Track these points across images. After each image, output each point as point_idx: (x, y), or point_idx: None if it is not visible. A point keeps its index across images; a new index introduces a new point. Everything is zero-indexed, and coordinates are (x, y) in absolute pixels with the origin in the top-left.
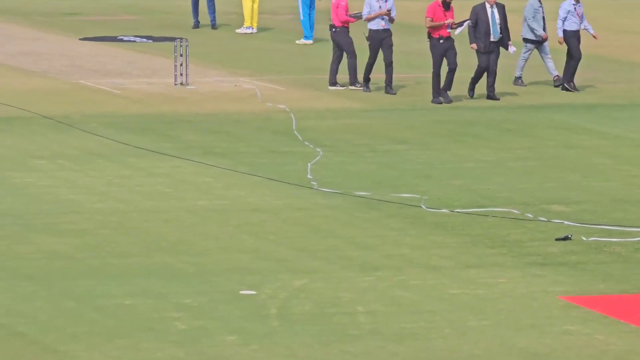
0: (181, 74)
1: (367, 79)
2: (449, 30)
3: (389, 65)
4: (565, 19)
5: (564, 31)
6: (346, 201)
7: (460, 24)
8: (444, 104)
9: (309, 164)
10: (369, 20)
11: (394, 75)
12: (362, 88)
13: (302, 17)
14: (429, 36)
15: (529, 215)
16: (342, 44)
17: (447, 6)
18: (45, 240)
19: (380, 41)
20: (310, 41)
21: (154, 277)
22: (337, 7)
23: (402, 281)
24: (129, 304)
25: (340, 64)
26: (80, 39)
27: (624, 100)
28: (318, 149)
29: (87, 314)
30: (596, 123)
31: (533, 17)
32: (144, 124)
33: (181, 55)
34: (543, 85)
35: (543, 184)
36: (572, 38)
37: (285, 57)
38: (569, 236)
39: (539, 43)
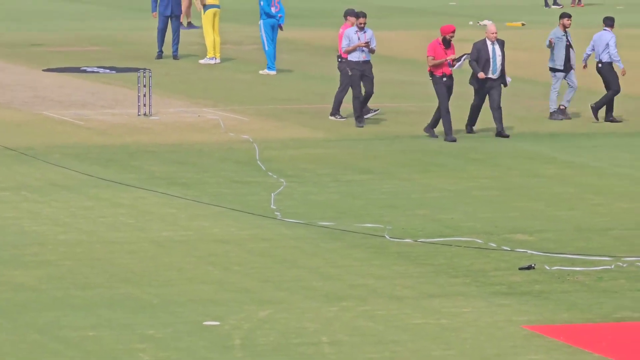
0: (144, 105)
1: (359, 115)
2: (450, 67)
3: (369, 96)
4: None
5: (603, 63)
6: (310, 231)
7: (459, 59)
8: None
9: (272, 194)
10: (349, 52)
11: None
12: (343, 119)
13: (265, 48)
14: (431, 74)
15: (493, 245)
16: (342, 72)
17: (447, 44)
18: (9, 272)
19: (361, 73)
20: (274, 72)
21: (118, 308)
22: (340, 37)
23: (366, 311)
24: (93, 335)
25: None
26: (44, 70)
27: (588, 129)
28: (282, 179)
29: (51, 345)
30: (560, 152)
31: (556, 46)
32: (107, 154)
33: (144, 86)
34: (507, 114)
35: (507, 213)
36: (610, 70)
37: (248, 87)
38: (533, 265)
39: (566, 72)
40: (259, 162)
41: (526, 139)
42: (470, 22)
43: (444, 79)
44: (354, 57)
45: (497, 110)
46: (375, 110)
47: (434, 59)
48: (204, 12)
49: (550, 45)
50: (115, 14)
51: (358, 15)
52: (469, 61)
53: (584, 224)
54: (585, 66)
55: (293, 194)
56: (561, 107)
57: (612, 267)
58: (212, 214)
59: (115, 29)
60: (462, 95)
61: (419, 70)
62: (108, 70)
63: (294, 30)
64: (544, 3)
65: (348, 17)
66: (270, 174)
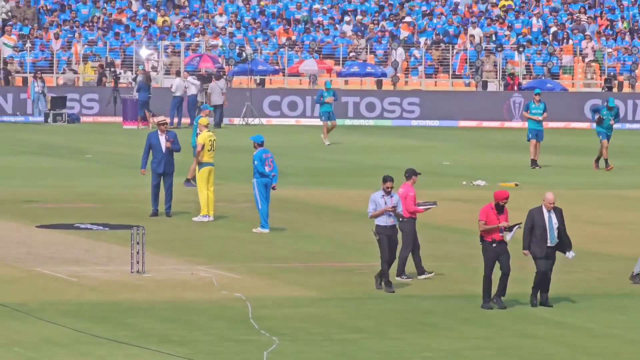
0: (137, 262)
1: (389, 280)
2: (501, 233)
3: (391, 261)
4: None
5: None
6: None
7: (511, 229)
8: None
9: (265, 353)
10: (375, 217)
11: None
12: (409, 279)
13: (259, 206)
14: (482, 239)
15: None
16: (405, 233)
17: (500, 209)
18: None
19: (388, 237)
20: (267, 230)
21: None
22: (406, 198)
23: None
24: None
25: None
26: (37, 227)
27: (580, 290)
28: (274, 338)
29: None
30: (553, 312)
31: None
32: (100, 312)
33: (138, 243)
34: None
35: None
36: None
37: (241, 245)
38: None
39: None
40: (251, 320)
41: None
42: (464, 182)
43: (494, 244)
44: (381, 221)
45: (543, 280)
46: (430, 273)
47: (485, 224)
48: (199, 170)
49: None
50: (109, 171)
51: (385, 179)
52: (524, 232)
53: None
54: None
55: (285, 353)
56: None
57: None
58: None
59: (108, 186)
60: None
61: None
62: (101, 227)
63: (288, 189)
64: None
65: (412, 177)
66: (262, 332)
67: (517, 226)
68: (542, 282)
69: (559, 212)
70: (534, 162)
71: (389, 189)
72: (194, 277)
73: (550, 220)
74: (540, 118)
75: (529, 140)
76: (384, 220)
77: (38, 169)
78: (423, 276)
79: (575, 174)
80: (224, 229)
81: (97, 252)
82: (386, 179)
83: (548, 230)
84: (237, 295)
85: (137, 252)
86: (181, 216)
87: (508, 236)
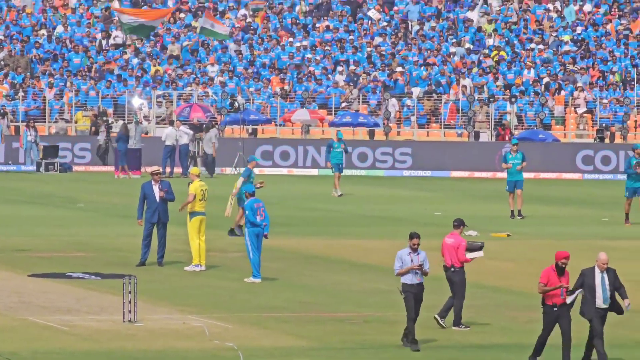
0: (129, 311)
1: (414, 337)
2: (562, 296)
3: (414, 318)
4: None
5: None
6: None
7: (572, 292)
8: None
9: None
10: (401, 275)
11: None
12: (467, 329)
13: (250, 256)
14: (543, 303)
15: None
16: (457, 284)
17: (561, 271)
18: None
19: (415, 295)
20: (259, 280)
21: None
22: (458, 248)
23: None
24: None
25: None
26: (29, 275)
27: (578, 341)
28: None
29: None
30: None
31: None
32: None
33: (130, 293)
34: (491, 326)
35: None
36: None
37: (233, 295)
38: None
39: None
40: None
41: (510, 350)
42: None
43: (555, 309)
44: (407, 279)
45: (599, 340)
46: (465, 327)
47: (545, 286)
48: (190, 219)
49: None
50: (101, 220)
51: (412, 236)
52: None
53: None
54: None
55: None
56: None
57: None
58: None
59: (100, 235)
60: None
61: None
62: (93, 277)
63: (279, 239)
64: (509, 214)
65: (460, 227)
66: None
67: (580, 291)
68: (594, 340)
69: (612, 273)
70: (513, 213)
71: (416, 246)
72: (186, 326)
73: (603, 282)
74: (519, 167)
75: (508, 192)
76: (409, 279)
77: (30, 217)
78: (457, 327)
79: (567, 224)
80: (216, 279)
81: (89, 301)
82: (412, 236)
83: (601, 292)
84: (229, 345)
85: (129, 301)
86: (173, 265)
87: (569, 299)
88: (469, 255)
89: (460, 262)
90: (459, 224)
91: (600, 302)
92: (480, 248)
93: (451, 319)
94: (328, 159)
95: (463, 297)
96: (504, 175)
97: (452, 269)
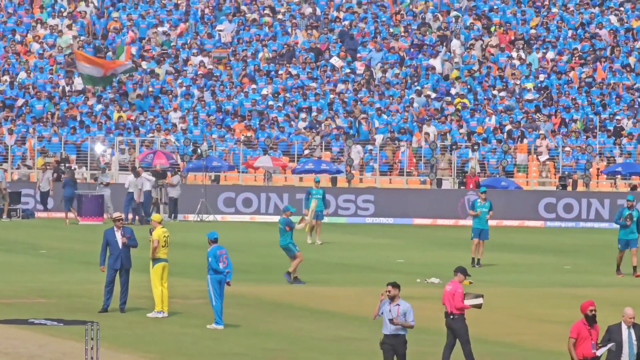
0: (92, 358)
1: None
2: (593, 351)
3: None
4: None
5: None
6: None
7: (605, 345)
8: None
9: None
10: (374, 317)
11: None
12: None
13: (213, 303)
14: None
15: None
16: (457, 330)
17: (591, 321)
18: None
19: (392, 347)
20: (221, 326)
21: None
22: (454, 294)
23: None
24: None
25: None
26: None
27: None
28: None
29: None
30: None
31: None
32: None
33: (92, 339)
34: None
35: None
36: None
37: (196, 341)
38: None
39: None
40: None
41: None
42: (418, 280)
43: None
44: (387, 330)
45: None
46: None
47: (575, 342)
48: (153, 266)
49: None
50: (63, 267)
51: (388, 284)
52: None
53: None
54: None
55: None
56: None
57: None
58: None
59: (63, 282)
60: None
61: (365, 326)
62: (56, 323)
63: (242, 285)
64: (470, 262)
65: (459, 274)
66: None
67: (612, 345)
68: None
69: (638, 329)
70: (474, 261)
71: (389, 293)
72: None
73: (630, 338)
74: (488, 217)
75: (472, 239)
76: (388, 329)
77: None
78: None
79: (530, 272)
80: (179, 325)
81: (52, 347)
82: (388, 284)
83: (627, 348)
84: None
85: (92, 348)
86: (136, 312)
87: (599, 352)
88: (468, 302)
89: (457, 308)
90: (458, 272)
91: (626, 359)
92: (479, 298)
93: None
94: (307, 206)
95: (468, 342)
96: (466, 222)
97: (452, 316)
